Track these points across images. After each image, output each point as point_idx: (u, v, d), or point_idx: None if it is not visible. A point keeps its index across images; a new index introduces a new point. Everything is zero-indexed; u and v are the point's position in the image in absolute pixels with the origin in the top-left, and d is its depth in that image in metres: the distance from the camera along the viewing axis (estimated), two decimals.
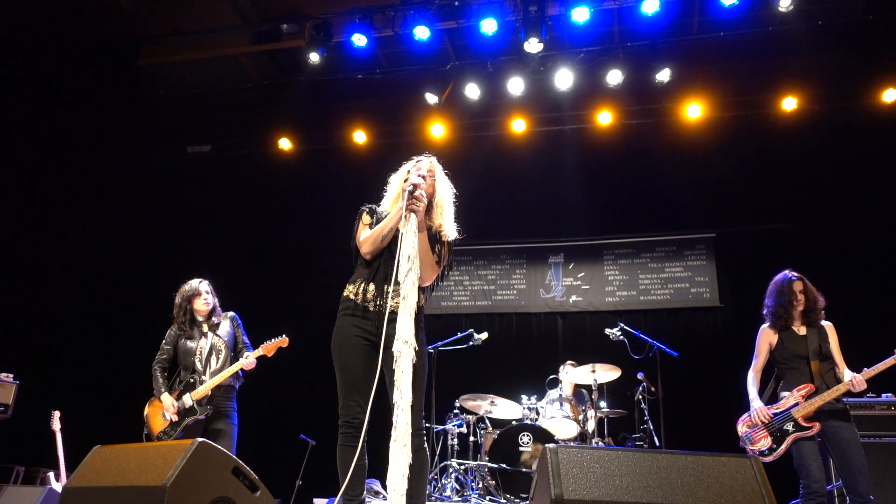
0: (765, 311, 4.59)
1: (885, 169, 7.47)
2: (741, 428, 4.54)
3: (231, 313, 5.10)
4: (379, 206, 3.45)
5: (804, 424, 4.19)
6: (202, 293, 4.92)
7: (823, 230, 7.61)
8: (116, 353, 8.01)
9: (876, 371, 4.18)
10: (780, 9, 6.08)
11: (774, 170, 7.88)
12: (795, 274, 4.52)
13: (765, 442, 4.34)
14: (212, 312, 4.95)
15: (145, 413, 4.88)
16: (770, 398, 4.48)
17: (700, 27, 7.16)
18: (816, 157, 7.70)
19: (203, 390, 4.70)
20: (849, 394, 4.25)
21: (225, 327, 4.98)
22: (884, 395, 5.63)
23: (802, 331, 4.42)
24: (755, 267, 7.77)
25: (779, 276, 4.58)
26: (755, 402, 4.44)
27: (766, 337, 4.54)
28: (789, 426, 4.25)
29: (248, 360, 4.80)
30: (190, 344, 4.84)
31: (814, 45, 7.14)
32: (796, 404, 4.25)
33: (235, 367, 4.79)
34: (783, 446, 4.26)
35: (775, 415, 4.33)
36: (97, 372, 8.12)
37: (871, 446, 5.30)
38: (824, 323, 4.45)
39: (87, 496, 2.75)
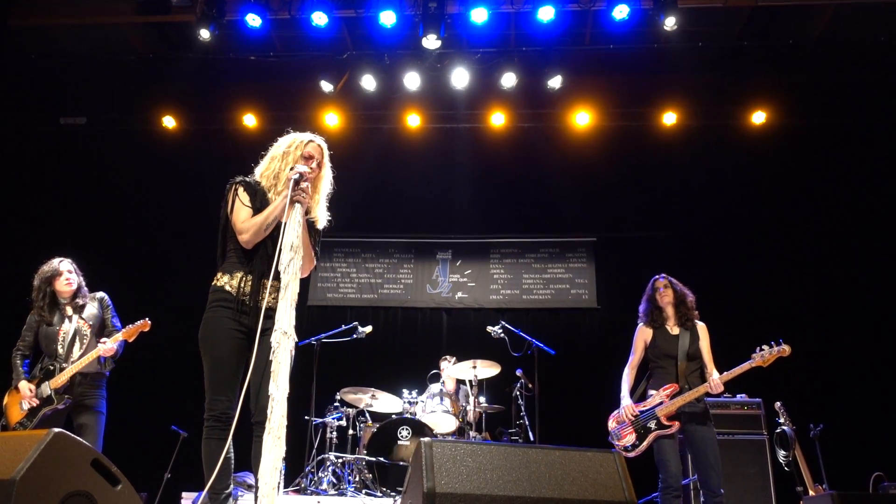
0: (640, 313, 4.82)
1: (752, 184, 8.05)
2: (611, 424, 4.74)
3: (100, 294, 4.80)
4: (249, 177, 3.26)
5: (665, 423, 4.42)
6: (63, 273, 4.60)
7: (695, 239, 8.12)
8: None
9: (733, 374, 4.43)
10: (665, 27, 6.38)
11: (652, 180, 8.31)
12: (661, 275, 4.82)
13: (629, 438, 4.55)
14: (76, 293, 4.64)
15: (4, 403, 4.61)
16: (640, 396, 4.68)
17: (592, 38, 7.41)
18: (690, 171, 8.18)
19: (62, 378, 4.43)
20: (708, 394, 4.49)
21: (91, 310, 4.68)
22: (738, 396, 6.05)
23: (675, 331, 4.63)
24: (631, 271, 8.16)
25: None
26: (624, 400, 4.64)
27: (642, 335, 4.74)
28: (652, 424, 4.47)
29: (107, 345, 4.48)
30: (52, 329, 4.54)
31: (693, 65, 7.59)
32: (661, 403, 4.47)
33: (93, 355, 4.49)
34: (645, 443, 4.48)
35: (641, 412, 4.54)
36: None
37: (726, 443, 5.69)
38: (699, 323, 4.67)
39: None
